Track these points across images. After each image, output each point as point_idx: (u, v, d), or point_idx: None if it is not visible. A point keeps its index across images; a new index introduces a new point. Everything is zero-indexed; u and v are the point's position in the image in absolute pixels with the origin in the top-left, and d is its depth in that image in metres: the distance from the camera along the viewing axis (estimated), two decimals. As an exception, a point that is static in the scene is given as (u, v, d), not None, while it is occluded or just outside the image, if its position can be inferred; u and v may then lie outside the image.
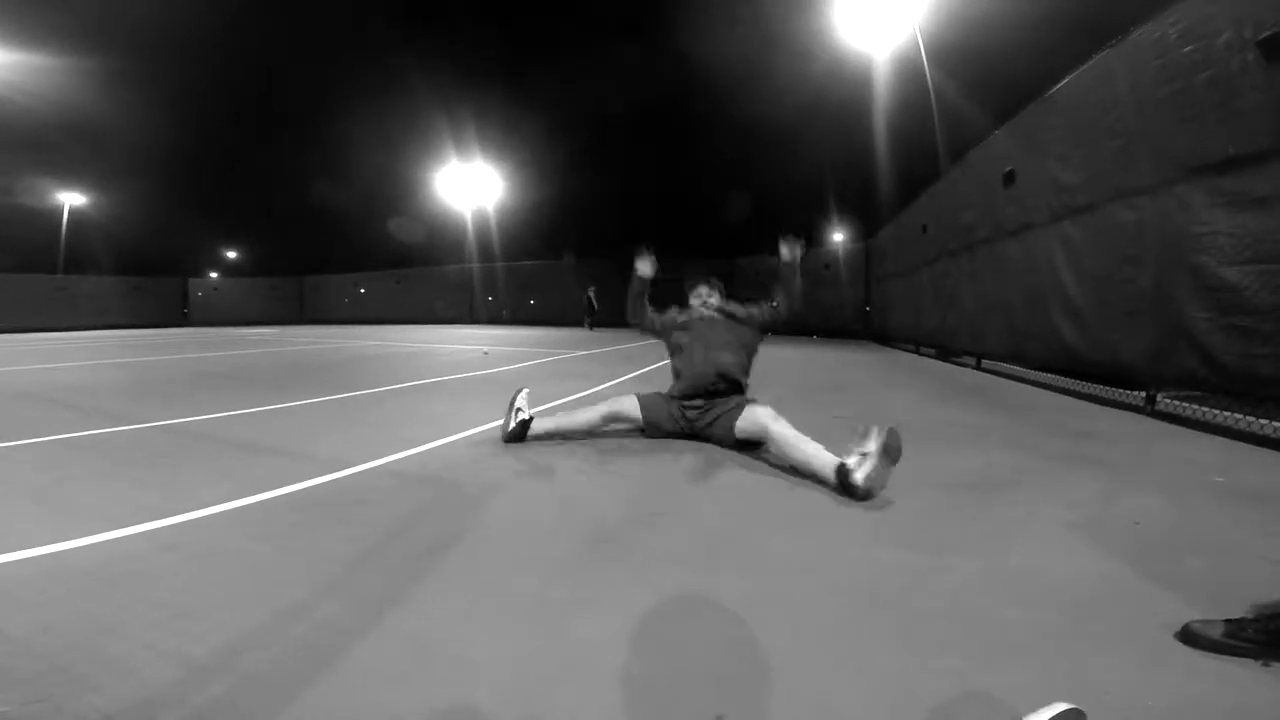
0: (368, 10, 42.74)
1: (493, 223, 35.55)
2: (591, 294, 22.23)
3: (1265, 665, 1.19)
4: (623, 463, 2.81)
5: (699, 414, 3.20)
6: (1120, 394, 4.87)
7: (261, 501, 2.22)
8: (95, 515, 2.03)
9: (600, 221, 37.75)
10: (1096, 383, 5.32)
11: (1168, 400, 4.35)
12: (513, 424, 3.19)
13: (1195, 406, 4.09)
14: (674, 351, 3.53)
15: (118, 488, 2.38)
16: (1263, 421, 3.49)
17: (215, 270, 40.27)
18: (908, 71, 17.39)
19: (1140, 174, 4.52)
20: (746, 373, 3.46)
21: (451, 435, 3.31)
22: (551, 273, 27.76)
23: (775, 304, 3.54)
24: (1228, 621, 1.27)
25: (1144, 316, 4.47)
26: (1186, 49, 3.93)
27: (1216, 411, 3.87)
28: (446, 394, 4.92)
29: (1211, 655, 1.23)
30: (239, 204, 44.15)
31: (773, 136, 35.95)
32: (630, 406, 3.26)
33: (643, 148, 43.46)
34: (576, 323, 23.38)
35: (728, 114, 39.94)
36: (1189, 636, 1.28)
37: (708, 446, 3.13)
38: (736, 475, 2.64)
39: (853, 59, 20.47)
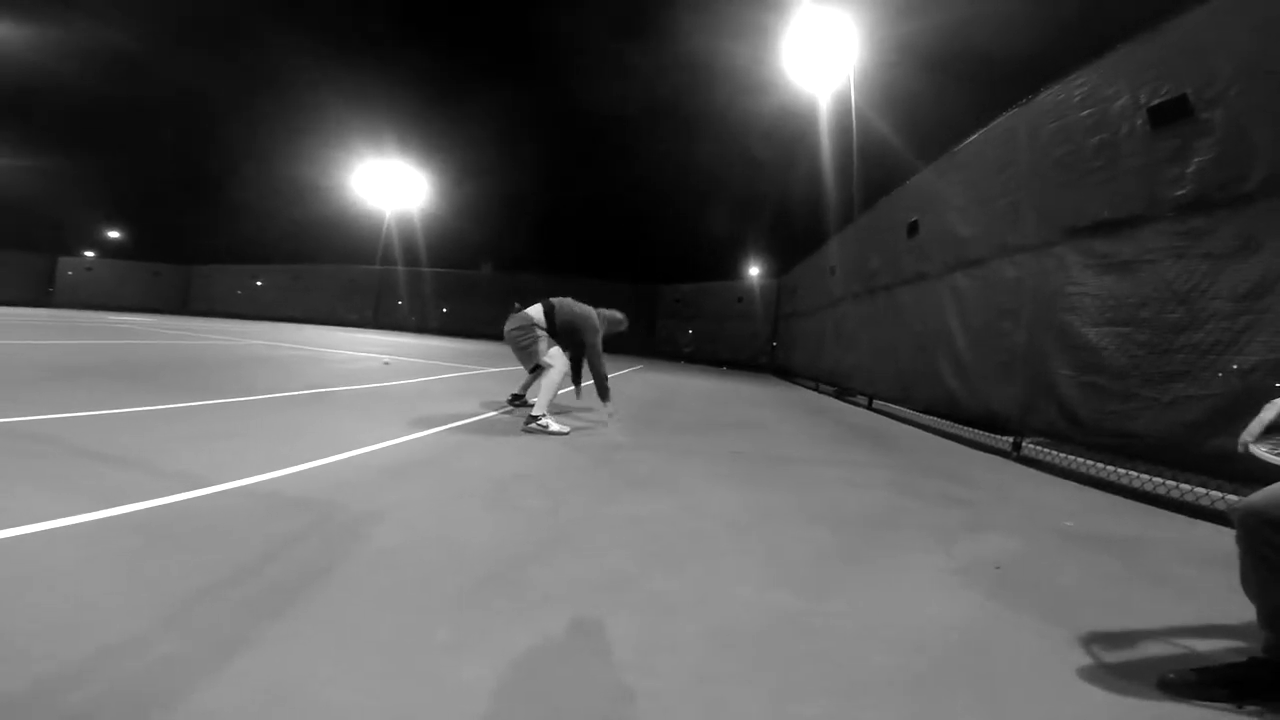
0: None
1: (417, 226, 34.45)
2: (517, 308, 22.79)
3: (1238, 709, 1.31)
4: (519, 493, 2.72)
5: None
6: (992, 438, 5.27)
7: (102, 520, 1.93)
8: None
9: (522, 238, 37.50)
10: (972, 427, 5.73)
11: (1031, 446, 4.75)
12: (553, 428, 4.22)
13: (1053, 453, 4.50)
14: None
15: (-84, 497, 2.02)
16: (1109, 468, 3.87)
17: (92, 249, 36.44)
18: (841, 117, 18.43)
19: (1025, 232, 4.93)
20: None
21: (335, 455, 3.03)
22: (467, 282, 27.18)
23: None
24: (1198, 670, 1.39)
25: (1016, 368, 4.87)
26: (1084, 112, 4.28)
27: (1071, 458, 4.26)
28: (336, 407, 4.56)
29: (1100, 699, 1.34)
30: (127, 180, 40.43)
31: (706, 171, 37.19)
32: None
33: (575, 171, 43.68)
34: (489, 335, 22.97)
35: (667, 146, 40.92)
36: (1166, 685, 1.38)
37: (611, 479, 3.14)
38: (632, 509, 2.59)
39: (795, 101, 21.56)
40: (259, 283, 30.50)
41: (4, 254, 27.06)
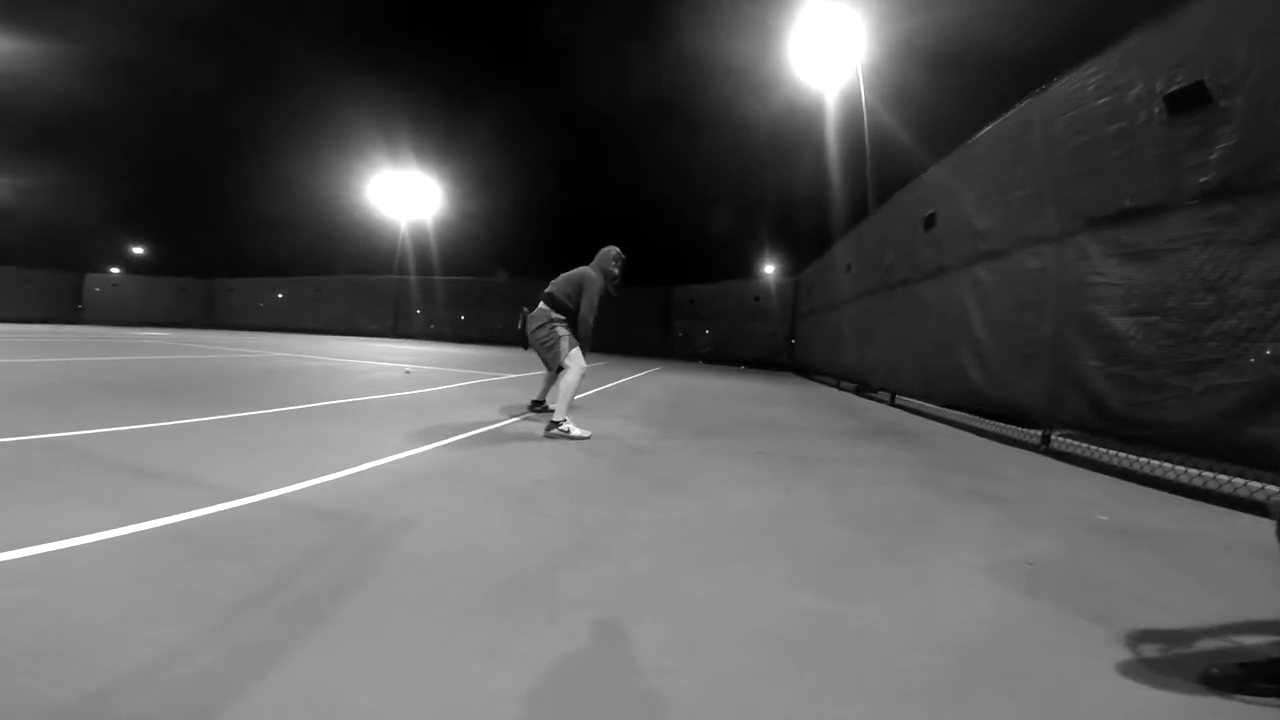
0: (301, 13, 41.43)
1: (431, 235, 34.83)
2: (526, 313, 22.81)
3: None
4: (543, 498, 2.74)
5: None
6: (1019, 432, 5.20)
7: (140, 533, 1.98)
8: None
9: (535, 243, 37.75)
10: (998, 421, 5.65)
11: (1060, 439, 4.67)
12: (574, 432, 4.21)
13: (1084, 445, 4.42)
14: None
15: (-36, 513, 2.09)
16: (1142, 460, 3.80)
17: (117, 265, 37.28)
18: (850, 113, 18.27)
19: (1046, 222, 4.86)
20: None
21: (362, 465, 3.08)
22: (483, 290, 27.38)
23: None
24: (1243, 665, 1.37)
25: (1041, 360, 4.80)
26: (1100, 101, 4.23)
27: (1103, 450, 4.18)
28: (361, 417, 4.63)
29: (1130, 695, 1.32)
30: (149, 196, 41.53)
31: (719, 171, 37.18)
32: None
33: (586, 175, 43.91)
34: (505, 341, 23.12)
35: (676, 145, 40.98)
36: (1209, 680, 1.36)
37: (635, 482, 3.15)
38: (657, 512, 2.60)
39: (803, 97, 21.44)
40: (279, 295, 30.97)
41: (33, 272, 27.76)
